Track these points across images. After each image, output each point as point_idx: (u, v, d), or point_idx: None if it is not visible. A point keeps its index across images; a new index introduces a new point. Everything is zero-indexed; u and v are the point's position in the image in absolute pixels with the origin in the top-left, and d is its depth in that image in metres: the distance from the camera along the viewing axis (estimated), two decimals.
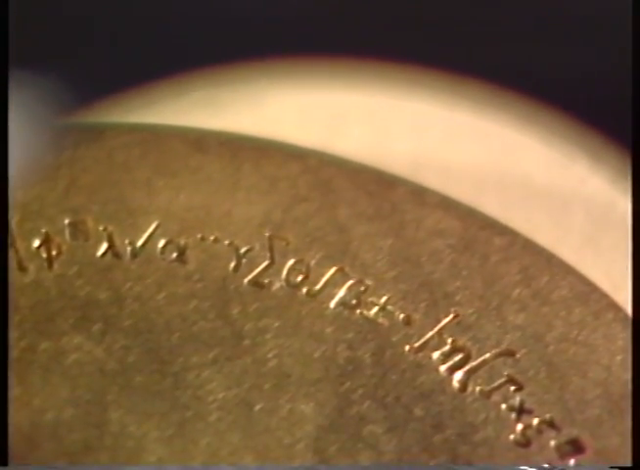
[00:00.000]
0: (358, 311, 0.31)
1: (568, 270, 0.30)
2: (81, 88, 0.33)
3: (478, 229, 0.31)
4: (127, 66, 0.36)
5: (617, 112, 0.34)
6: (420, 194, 0.31)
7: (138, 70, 0.36)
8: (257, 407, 0.29)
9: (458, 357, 0.30)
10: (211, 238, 0.31)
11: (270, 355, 0.29)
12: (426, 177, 0.32)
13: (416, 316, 0.30)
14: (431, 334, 0.30)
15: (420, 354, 0.30)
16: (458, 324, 0.30)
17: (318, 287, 0.31)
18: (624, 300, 0.29)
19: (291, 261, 0.31)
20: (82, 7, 0.35)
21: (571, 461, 0.30)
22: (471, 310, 0.30)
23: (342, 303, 0.31)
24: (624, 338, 0.28)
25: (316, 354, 0.30)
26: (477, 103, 0.37)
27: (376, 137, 0.36)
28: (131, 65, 0.36)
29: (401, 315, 0.31)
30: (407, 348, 0.30)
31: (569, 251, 0.32)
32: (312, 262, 0.31)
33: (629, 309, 0.29)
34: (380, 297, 0.31)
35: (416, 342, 0.30)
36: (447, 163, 0.36)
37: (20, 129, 0.30)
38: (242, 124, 0.33)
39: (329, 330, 0.30)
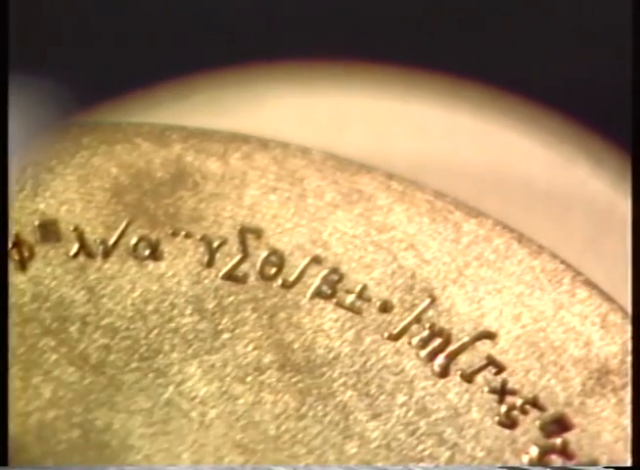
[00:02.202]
0: (334, 300, 0.30)
1: (539, 250, 0.30)
2: (83, 90, 0.33)
3: (447, 212, 0.31)
4: (130, 68, 0.36)
5: (616, 114, 0.34)
6: (386, 180, 0.31)
7: (141, 72, 0.36)
8: (240, 401, 0.29)
9: (437, 342, 0.30)
10: (183, 233, 0.30)
11: (249, 348, 0.29)
12: (427, 180, 0.32)
13: (392, 303, 0.30)
14: (408, 320, 0.30)
15: (399, 341, 0.30)
16: (435, 309, 0.30)
17: (293, 278, 0.30)
18: (625, 301, 0.29)
19: (264, 254, 0.31)
20: (82, 9, 0.35)
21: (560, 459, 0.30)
22: (446, 294, 0.30)
23: (318, 292, 0.30)
24: (600, 314, 0.28)
25: (296, 345, 0.30)
26: (478, 106, 0.36)
27: (377, 139, 0.36)
28: (134, 67, 0.35)
29: (378, 303, 0.30)
30: (386, 335, 0.30)
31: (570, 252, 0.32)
32: (285, 253, 0.31)
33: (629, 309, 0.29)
34: (355, 285, 0.31)
35: (394, 328, 0.30)
36: (450, 165, 0.36)
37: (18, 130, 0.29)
38: (245, 126, 0.33)
39: (306, 320, 0.29)
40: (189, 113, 0.32)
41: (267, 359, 0.27)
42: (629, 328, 0.28)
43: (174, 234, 0.28)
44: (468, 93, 0.35)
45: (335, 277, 0.30)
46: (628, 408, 0.27)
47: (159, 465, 0.27)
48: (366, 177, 0.31)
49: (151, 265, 0.28)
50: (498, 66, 0.36)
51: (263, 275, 0.30)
